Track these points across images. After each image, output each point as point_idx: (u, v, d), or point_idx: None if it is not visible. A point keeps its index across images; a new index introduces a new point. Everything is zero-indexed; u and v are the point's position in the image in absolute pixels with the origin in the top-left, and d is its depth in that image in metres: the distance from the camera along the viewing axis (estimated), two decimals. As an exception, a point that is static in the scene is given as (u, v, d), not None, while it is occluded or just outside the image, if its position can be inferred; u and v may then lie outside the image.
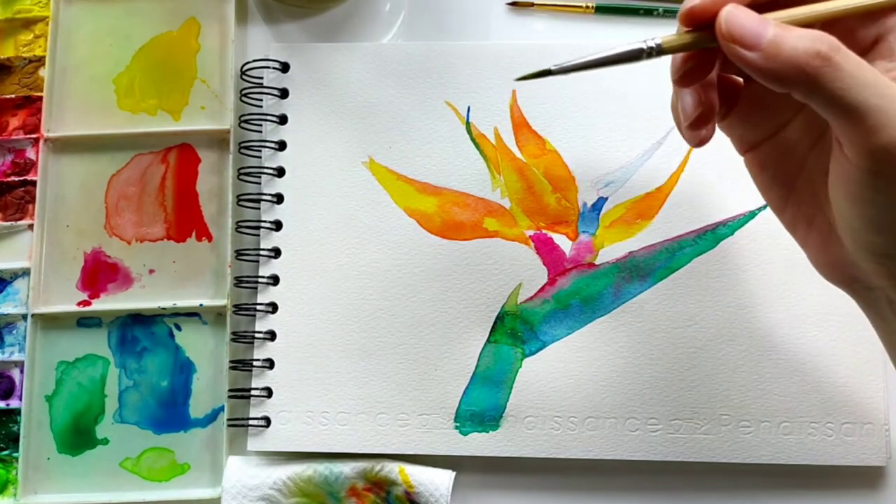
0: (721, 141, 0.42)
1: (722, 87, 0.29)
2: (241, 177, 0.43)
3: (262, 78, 0.44)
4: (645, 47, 0.25)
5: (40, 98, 0.44)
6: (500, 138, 0.43)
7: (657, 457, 0.39)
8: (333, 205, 0.43)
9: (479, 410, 0.40)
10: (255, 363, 0.41)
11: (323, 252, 0.42)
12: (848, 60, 0.23)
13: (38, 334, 0.42)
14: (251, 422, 0.41)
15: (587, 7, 0.45)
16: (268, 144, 0.43)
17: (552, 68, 0.24)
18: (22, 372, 0.42)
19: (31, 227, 0.43)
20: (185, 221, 0.43)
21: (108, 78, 0.45)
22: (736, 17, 0.24)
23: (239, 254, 0.42)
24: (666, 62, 0.28)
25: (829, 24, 0.25)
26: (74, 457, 0.42)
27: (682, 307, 0.41)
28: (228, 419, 0.41)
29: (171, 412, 0.42)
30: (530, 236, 0.42)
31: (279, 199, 0.43)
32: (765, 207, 0.41)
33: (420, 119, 0.43)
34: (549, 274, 0.41)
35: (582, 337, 0.41)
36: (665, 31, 0.44)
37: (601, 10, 0.45)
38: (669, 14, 0.45)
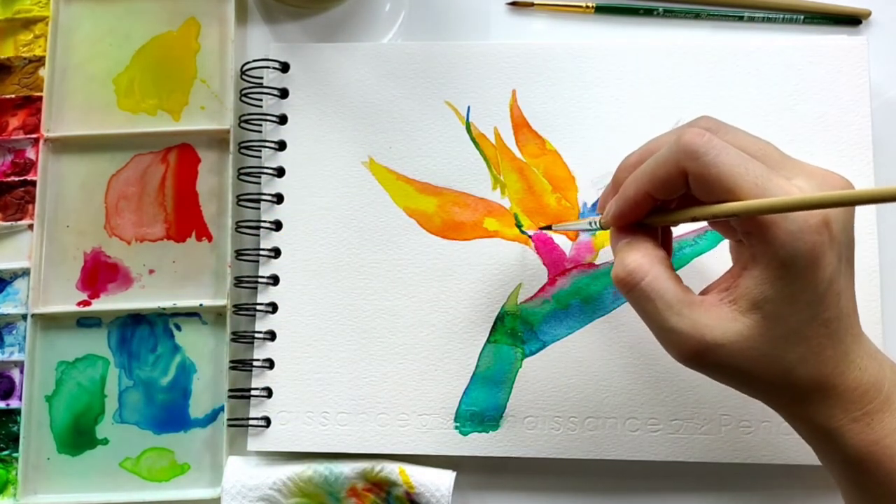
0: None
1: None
2: (241, 177, 0.43)
3: (262, 78, 0.44)
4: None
5: (40, 98, 0.44)
6: (500, 138, 0.43)
7: (657, 457, 0.39)
8: (333, 205, 0.43)
9: (479, 410, 0.40)
10: (255, 363, 0.41)
11: (323, 252, 0.42)
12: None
13: (38, 334, 0.42)
14: (251, 422, 0.41)
15: (587, 7, 0.45)
16: (268, 144, 0.43)
17: None
18: (22, 372, 0.42)
19: (31, 227, 0.43)
20: (185, 221, 0.43)
21: (108, 78, 0.45)
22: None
23: (239, 254, 0.42)
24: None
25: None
26: (74, 457, 0.42)
27: (682, 307, 0.41)
28: (228, 419, 0.41)
29: (170, 412, 0.42)
30: (530, 236, 0.42)
31: (279, 199, 0.43)
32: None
33: (420, 119, 0.43)
34: (550, 274, 0.41)
35: (582, 337, 0.41)
36: (663, 32, 0.44)
37: (601, 9, 0.45)
38: (669, 14, 0.45)
